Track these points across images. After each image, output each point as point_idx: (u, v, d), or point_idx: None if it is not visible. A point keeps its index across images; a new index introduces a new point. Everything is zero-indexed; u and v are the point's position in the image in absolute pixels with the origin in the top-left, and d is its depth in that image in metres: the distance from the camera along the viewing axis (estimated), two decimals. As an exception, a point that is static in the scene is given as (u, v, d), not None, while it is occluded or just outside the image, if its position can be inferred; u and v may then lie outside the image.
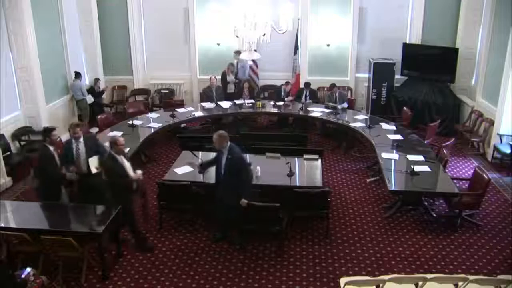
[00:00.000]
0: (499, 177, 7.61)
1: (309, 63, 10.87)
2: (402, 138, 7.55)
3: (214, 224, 5.89)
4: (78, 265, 5.00)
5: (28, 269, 4.09)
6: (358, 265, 5.31)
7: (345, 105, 9.27)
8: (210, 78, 9.96)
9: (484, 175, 5.89)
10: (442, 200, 6.53)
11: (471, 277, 4.08)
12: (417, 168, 6.16)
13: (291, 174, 6.04)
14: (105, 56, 10.92)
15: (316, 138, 9.43)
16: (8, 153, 7.64)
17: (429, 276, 4.03)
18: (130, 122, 8.24)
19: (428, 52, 10.01)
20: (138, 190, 5.52)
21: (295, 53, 10.57)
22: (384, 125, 8.27)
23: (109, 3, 10.77)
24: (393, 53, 10.35)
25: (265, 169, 6.15)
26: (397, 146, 7.15)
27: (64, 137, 8.28)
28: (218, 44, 10.79)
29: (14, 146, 7.97)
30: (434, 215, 6.29)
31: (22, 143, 8.12)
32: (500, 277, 4.65)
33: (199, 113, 9.09)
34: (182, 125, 9.08)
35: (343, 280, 4.24)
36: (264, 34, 5.91)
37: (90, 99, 9.91)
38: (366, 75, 10.79)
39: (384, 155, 6.78)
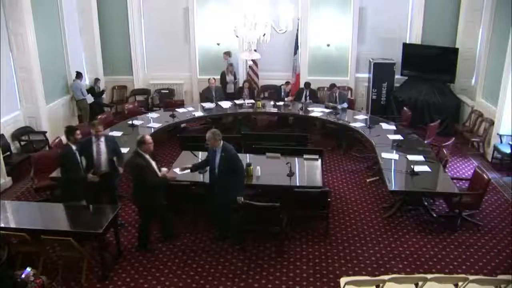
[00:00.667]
0: (499, 177, 7.61)
1: (309, 63, 10.88)
2: (402, 138, 7.55)
3: (213, 224, 5.90)
4: (78, 265, 4.99)
5: (28, 269, 4.09)
6: (358, 265, 5.31)
7: (345, 105, 9.27)
8: (209, 80, 9.97)
9: (484, 175, 5.89)
10: (442, 200, 6.53)
11: (471, 277, 4.08)
12: (417, 168, 6.16)
13: (291, 174, 6.04)
14: (105, 56, 10.93)
15: (316, 138, 9.43)
16: (8, 153, 7.64)
17: (429, 276, 4.04)
18: (130, 122, 8.25)
19: (428, 52, 10.01)
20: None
21: (295, 53, 10.57)
22: (384, 125, 8.27)
23: (109, 3, 10.77)
24: (393, 53, 10.36)
25: (265, 169, 6.15)
26: (397, 146, 7.15)
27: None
28: (218, 44, 10.80)
29: (14, 146, 7.97)
30: (434, 215, 6.29)
31: (22, 143, 8.12)
32: (500, 277, 4.65)
33: (199, 113, 9.09)
34: (182, 125, 9.08)
35: (343, 280, 4.24)
36: (264, 34, 5.91)
37: (90, 99, 9.92)
38: (366, 75, 10.80)
39: (384, 155, 6.78)
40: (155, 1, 10.92)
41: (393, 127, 8.15)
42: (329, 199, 5.68)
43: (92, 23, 10.44)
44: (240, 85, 10.50)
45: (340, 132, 8.86)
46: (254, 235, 5.74)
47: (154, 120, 8.56)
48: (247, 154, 6.70)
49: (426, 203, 6.42)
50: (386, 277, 4.10)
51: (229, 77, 10.41)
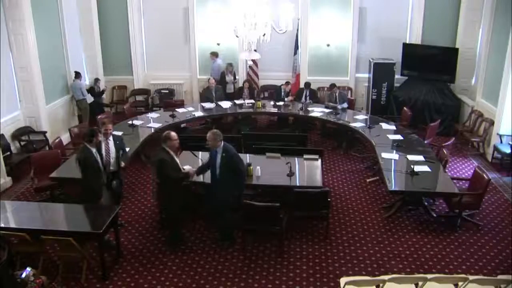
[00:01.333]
0: (499, 177, 7.61)
1: (309, 63, 10.88)
2: (402, 138, 7.54)
3: (213, 224, 5.90)
4: (78, 265, 4.99)
5: (28, 269, 4.09)
6: (358, 265, 5.31)
7: (345, 105, 9.27)
8: (208, 80, 9.97)
9: (484, 175, 5.89)
10: (442, 200, 6.53)
11: (471, 277, 4.08)
12: (417, 168, 6.16)
13: (291, 174, 6.04)
14: (105, 56, 10.93)
15: (316, 138, 9.43)
16: (8, 153, 7.64)
17: (429, 276, 4.04)
18: (130, 122, 8.24)
19: (428, 52, 10.01)
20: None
21: (295, 53, 10.58)
22: (384, 125, 8.27)
23: (109, 3, 10.77)
24: (393, 53, 10.35)
25: (265, 169, 6.15)
26: (397, 146, 7.15)
27: (64, 137, 8.30)
28: (218, 44, 10.80)
29: (14, 146, 7.97)
30: (434, 215, 6.29)
31: (22, 143, 8.12)
32: (500, 277, 4.65)
33: (199, 113, 9.09)
34: (182, 125, 9.08)
35: (343, 280, 4.24)
36: (264, 34, 5.91)
37: (90, 99, 9.92)
38: (366, 75, 10.79)
39: (384, 155, 6.78)
40: (155, 1, 10.92)
41: (393, 127, 8.15)
42: (329, 199, 5.68)
43: (92, 23, 10.44)
44: (240, 85, 10.50)
45: (340, 132, 8.86)
46: (254, 235, 5.73)
47: (154, 120, 8.55)
48: (247, 154, 6.70)
49: (426, 203, 6.42)
50: (386, 277, 4.10)
51: (229, 77, 10.41)
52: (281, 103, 9.56)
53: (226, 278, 5.07)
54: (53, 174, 6.13)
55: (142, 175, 7.68)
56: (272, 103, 9.65)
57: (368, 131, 7.93)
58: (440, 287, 4.10)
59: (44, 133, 8.44)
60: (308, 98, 9.75)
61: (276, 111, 9.44)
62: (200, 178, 5.96)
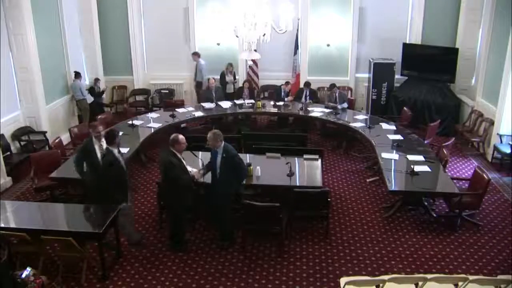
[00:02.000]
0: (499, 177, 7.61)
1: (309, 63, 10.88)
2: (402, 138, 7.54)
3: (213, 224, 5.90)
4: (78, 265, 4.99)
5: (28, 269, 4.09)
6: (358, 265, 5.31)
7: (345, 105, 9.27)
8: (208, 80, 9.96)
9: (484, 175, 5.89)
10: (442, 200, 6.53)
11: (471, 277, 4.08)
12: (417, 168, 6.16)
13: (291, 174, 6.04)
14: (105, 56, 10.93)
15: (316, 138, 9.43)
16: (8, 153, 7.64)
17: (429, 276, 4.04)
18: (130, 122, 8.24)
19: (428, 52, 10.01)
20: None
21: (295, 53, 10.57)
22: (384, 125, 8.27)
23: (109, 3, 10.77)
24: (393, 53, 10.35)
25: (265, 169, 6.15)
26: (397, 146, 7.15)
27: (64, 137, 8.30)
28: (218, 44, 10.80)
29: (14, 146, 7.97)
30: (434, 215, 6.29)
31: (22, 143, 8.12)
32: (500, 277, 4.65)
33: (199, 113, 9.09)
34: (182, 125, 9.08)
35: (343, 280, 4.24)
36: (264, 34, 5.91)
37: (90, 98, 9.92)
38: (366, 75, 10.79)
39: (384, 155, 6.78)
40: (155, 1, 10.92)
41: (393, 127, 8.15)
42: (329, 199, 5.68)
43: (92, 23, 10.44)
44: (240, 85, 10.50)
45: (340, 132, 8.86)
46: (254, 235, 5.73)
47: (154, 120, 8.55)
48: (247, 154, 6.71)
49: (426, 203, 6.42)
50: (386, 277, 4.10)
51: (229, 77, 10.41)
52: (281, 103, 9.56)
53: (226, 278, 5.07)
54: (53, 174, 6.13)
55: (142, 175, 7.68)
56: (272, 103, 9.65)
57: (368, 131, 7.93)
58: (440, 287, 4.10)
59: (44, 133, 8.44)
60: (308, 98, 9.75)
61: (276, 111, 9.44)
62: (200, 178, 5.96)
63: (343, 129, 8.60)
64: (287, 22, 5.91)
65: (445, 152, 6.86)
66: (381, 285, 3.97)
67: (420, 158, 6.63)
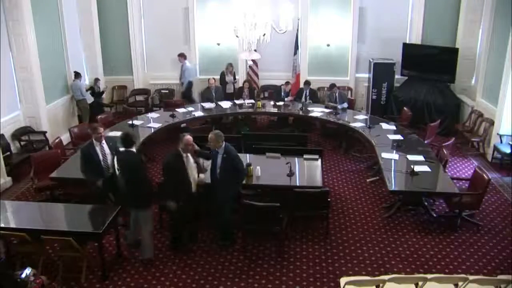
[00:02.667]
0: (499, 177, 7.61)
1: (309, 63, 10.88)
2: (402, 138, 7.54)
3: (213, 224, 5.90)
4: (78, 265, 4.99)
5: (28, 269, 4.09)
6: (358, 265, 5.31)
7: (345, 105, 9.27)
8: (208, 80, 9.97)
9: (484, 175, 5.89)
10: (442, 200, 6.53)
11: (471, 277, 4.08)
12: (417, 168, 6.16)
13: (291, 174, 6.04)
14: (105, 56, 10.92)
15: (316, 138, 9.43)
16: (8, 153, 7.64)
17: (429, 276, 4.04)
18: (130, 122, 8.24)
19: (428, 52, 10.00)
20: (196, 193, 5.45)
21: (295, 53, 10.57)
22: (384, 125, 8.26)
23: (109, 3, 10.77)
24: (393, 53, 10.35)
25: (265, 169, 6.14)
26: (397, 146, 7.14)
27: (64, 137, 8.30)
28: (218, 44, 10.78)
29: (14, 146, 7.97)
30: (434, 215, 6.29)
31: (22, 143, 8.12)
32: (500, 277, 4.65)
33: (199, 113, 9.09)
34: (182, 125, 9.07)
35: (343, 280, 4.24)
36: (264, 34, 5.91)
37: (90, 99, 9.92)
38: (366, 75, 10.80)
39: (384, 155, 6.78)
40: (155, 1, 10.92)
41: (393, 127, 8.14)
42: (329, 199, 5.68)
43: (92, 23, 10.43)
44: (240, 85, 10.50)
45: (340, 132, 8.86)
46: (254, 235, 5.73)
47: (154, 120, 8.55)
48: (247, 154, 6.70)
49: (426, 203, 6.42)
50: (386, 277, 4.10)
51: (229, 77, 10.41)
52: (281, 103, 9.55)
53: (226, 278, 5.07)
54: (53, 174, 6.12)
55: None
56: (272, 103, 9.65)
57: (368, 131, 7.92)
58: (440, 287, 4.10)
59: (44, 133, 8.44)
60: (308, 97, 9.75)
61: (276, 111, 9.44)
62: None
63: (343, 129, 8.60)
64: (287, 22, 5.91)
65: (445, 152, 6.86)
66: (381, 285, 3.98)
67: (420, 158, 6.63)
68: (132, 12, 10.81)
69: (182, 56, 10.52)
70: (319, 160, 6.55)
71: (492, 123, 8.35)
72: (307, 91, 9.78)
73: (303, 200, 5.63)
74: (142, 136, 7.68)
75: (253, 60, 10.00)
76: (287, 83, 10.03)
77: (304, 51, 10.70)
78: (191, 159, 5.35)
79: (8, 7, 7.78)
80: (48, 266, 5.12)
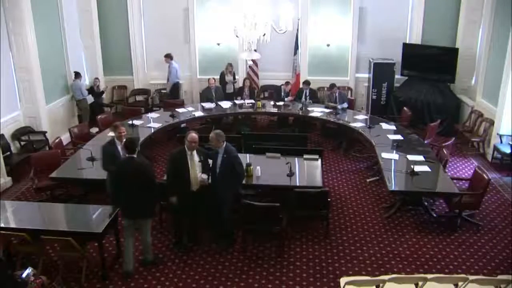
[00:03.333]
0: (499, 177, 7.61)
1: (309, 63, 10.88)
2: (402, 138, 7.54)
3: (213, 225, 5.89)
4: (78, 265, 4.99)
5: (28, 269, 4.09)
6: (358, 265, 5.31)
7: (345, 105, 9.27)
8: (208, 80, 9.96)
9: (484, 175, 5.89)
10: (442, 200, 6.53)
11: (471, 277, 4.08)
12: (417, 168, 6.16)
13: (291, 174, 6.04)
14: (105, 56, 10.92)
15: (316, 138, 9.43)
16: (8, 153, 7.64)
17: (429, 276, 4.04)
18: (130, 122, 8.24)
19: (428, 52, 10.00)
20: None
21: (295, 53, 10.57)
22: (384, 125, 8.26)
23: (109, 3, 10.77)
24: (393, 53, 10.34)
25: (265, 169, 6.15)
26: (397, 146, 7.14)
27: (64, 137, 8.30)
28: (218, 44, 10.79)
29: (14, 146, 7.97)
30: (434, 215, 6.29)
31: (22, 143, 8.12)
32: (500, 277, 4.65)
33: (199, 113, 9.09)
34: (182, 125, 9.08)
35: (343, 280, 4.24)
36: (264, 34, 5.91)
37: (90, 99, 9.92)
38: (366, 75, 10.79)
39: (384, 155, 6.78)
40: (155, 1, 10.92)
41: (393, 127, 8.14)
42: (329, 199, 5.68)
43: (92, 23, 10.43)
44: (240, 85, 10.49)
45: (340, 132, 8.86)
46: (254, 235, 5.73)
47: (154, 120, 8.55)
48: (247, 154, 6.70)
49: (426, 203, 6.42)
50: (386, 277, 4.10)
51: (228, 77, 10.40)
52: (281, 103, 9.55)
53: (226, 278, 5.07)
54: (53, 174, 6.12)
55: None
56: (272, 103, 9.64)
57: (368, 131, 7.92)
58: (440, 287, 4.10)
59: (44, 133, 8.44)
60: (308, 97, 9.75)
61: (276, 111, 9.44)
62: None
63: (343, 129, 8.60)
64: (287, 22, 5.91)
65: (445, 152, 6.86)
66: (381, 285, 3.97)
67: (420, 158, 6.63)
68: (132, 12, 10.81)
69: (168, 57, 10.48)
70: (319, 160, 6.55)
71: (492, 123, 8.35)
72: (307, 91, 9.77)
73: (303, 200, 5.63)
74: (142, 136, 7.65)
75: (253, 60, 10.04)
76: (287, 83, 10.03)
77: (304, 51, 10.69)
78: (196, 158, 5.34)
79: (8, 7, 7.78)
80: (48, 266, 5.12)
